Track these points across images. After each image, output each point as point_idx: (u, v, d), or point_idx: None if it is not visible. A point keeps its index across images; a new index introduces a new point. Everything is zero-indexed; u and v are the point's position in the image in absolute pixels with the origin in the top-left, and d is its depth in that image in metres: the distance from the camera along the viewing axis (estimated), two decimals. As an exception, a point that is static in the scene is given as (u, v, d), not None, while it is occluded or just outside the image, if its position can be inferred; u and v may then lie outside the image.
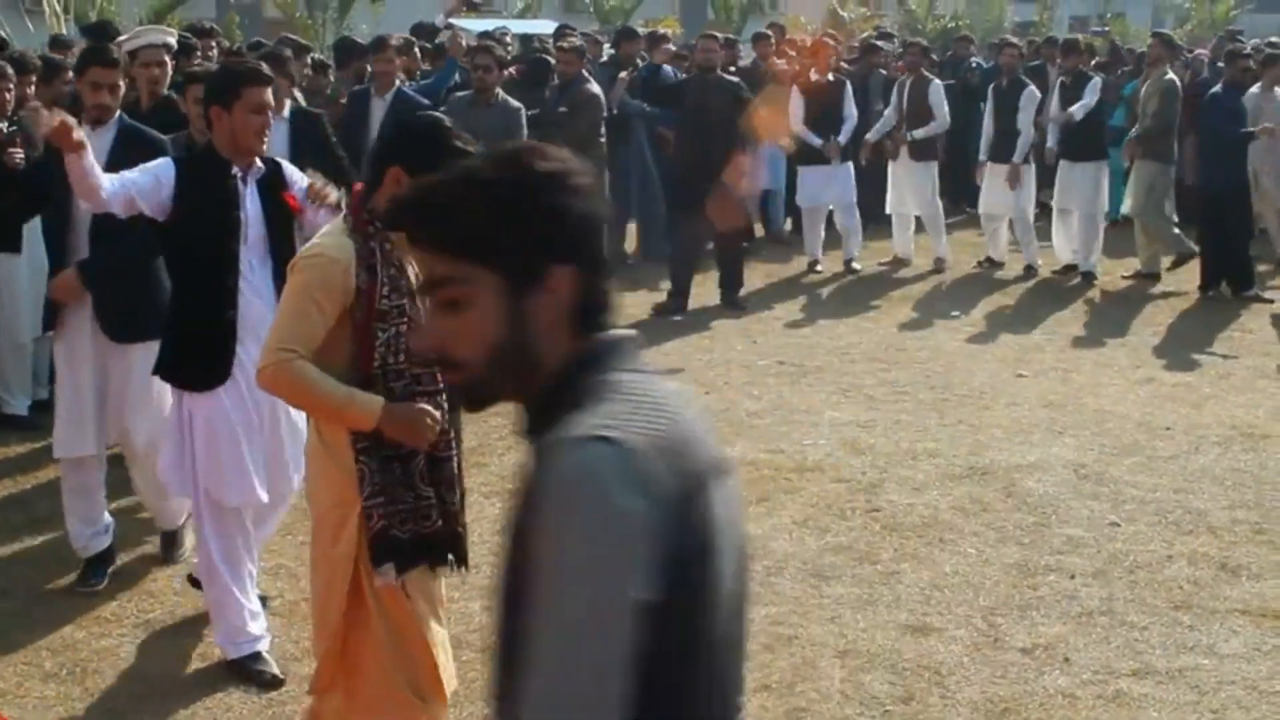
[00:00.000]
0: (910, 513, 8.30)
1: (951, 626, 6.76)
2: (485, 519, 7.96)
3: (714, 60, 13.88)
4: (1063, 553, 7.68)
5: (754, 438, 9.57)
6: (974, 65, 19.36)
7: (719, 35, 14.85)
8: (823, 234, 15.88)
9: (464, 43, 12.93)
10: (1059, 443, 9.63)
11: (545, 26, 24.34)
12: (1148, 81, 15.23)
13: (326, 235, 4.89)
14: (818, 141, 15.15)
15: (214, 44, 12.46)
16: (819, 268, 15.77)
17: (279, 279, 5.66)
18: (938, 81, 16.18)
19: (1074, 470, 9.06)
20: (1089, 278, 15.30)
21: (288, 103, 9.22)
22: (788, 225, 17.67)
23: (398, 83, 11.56)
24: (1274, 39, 21.43)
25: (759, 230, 17.51)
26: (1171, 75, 15.15)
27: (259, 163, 6.07)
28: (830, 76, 15.55)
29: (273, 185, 6.10)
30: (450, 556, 5.08)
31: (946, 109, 15.70)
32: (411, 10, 24.98)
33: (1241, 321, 13.73)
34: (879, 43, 19.03)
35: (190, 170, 6.03)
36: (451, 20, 16.56)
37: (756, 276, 15.16)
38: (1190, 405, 10.61)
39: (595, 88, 13.62)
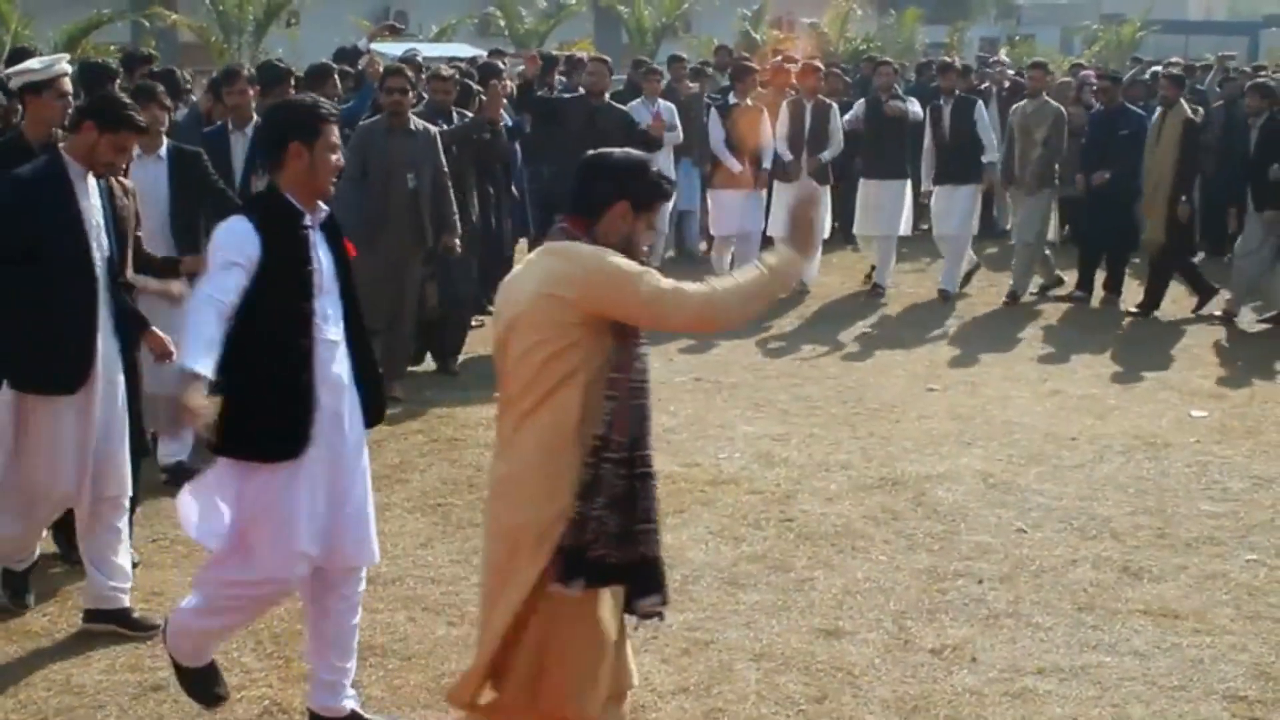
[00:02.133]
0: (823, 522, 8.49)
1: (863, 630, 6.94)
2: (407, 534, 8.11)
3: (603, 85, 13.71)
4: (971, 558, 7.89)
5: (671, 452, 9.73)
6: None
7: (607, 60, 14.66)
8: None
9: (381, 67, 12.95)
10: (968, 453, 9.86)
11: (461, 50, 24.47)
12: (1031, 109, 15.49)
13: (574, 246, 4.82)
14: (788, 158, 15.48)
15: (149, 70, 12.41)
16: None
17: (350, 329, 5.59)
18: (835, 106, 16.40)
19: (982, 479, 9.29)
20: (945, 295, 15.84)
21: (165, 141, 8.88)
22: (702, 246, 17.82)
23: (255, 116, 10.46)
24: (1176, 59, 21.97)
25: (671, 251, 17.68)
26: (1056, 104, 15.52)
27: (321, 205, 5.57)
28: (814, 99, 15.78)
29: (334, 229, 5.64)
30: (656, 589, 4.97)
31: (841, 135, 15.94)
32: (328, 34, 25.10)
33: (1145, 335, 14.08)
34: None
35: (267, 224, 5.36)
36: (372, 45, 16.67)
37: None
38: (1094, 416, 10.90)
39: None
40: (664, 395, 11.35)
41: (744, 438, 10.19)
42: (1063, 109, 15.52)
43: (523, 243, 14.27)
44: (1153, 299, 15.06)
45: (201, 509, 5.54)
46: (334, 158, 5.46)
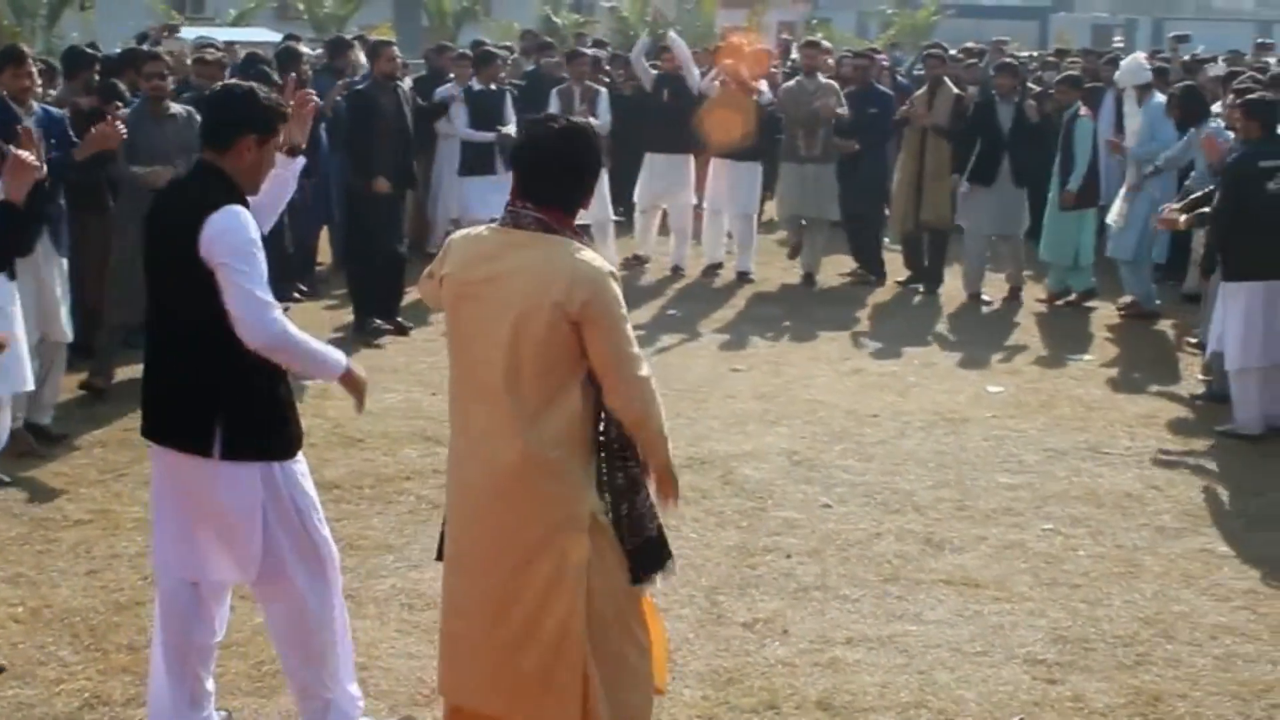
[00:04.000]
0: (635, 502, 8.61)
1: (677, 606, 7.08)
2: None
3: (395, 69, 13.41)
4: (779, 534, 8.08)
5: (481, 435, 9.78)
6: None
7: (390, 44, 14.00)
8: None
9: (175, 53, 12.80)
10: (773, 432, 10.06)
11: (260, 35, 24.21)
12: (812, 88, 15.76)
13: (577, 250, 4.76)
14: None
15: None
16: None
17: None
18: (604, 90, 16.54)
19: (788, 457, 9.49)
20: (745, 277, 16.07)
21: None
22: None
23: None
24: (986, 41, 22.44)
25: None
26: (831, 82, 15.86)
27: None
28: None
29: None
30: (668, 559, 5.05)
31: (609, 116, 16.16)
32: (124, 18, 24.68)
33: (941, 314, 14.46)
34: None
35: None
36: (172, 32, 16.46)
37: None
38: (896, 393, 11.18)
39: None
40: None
41: (553, 420, 10.27)
42: (837, 86, 15.86)
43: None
44: (934, 275, 15.52)
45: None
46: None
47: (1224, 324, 10.45)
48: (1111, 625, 7.02)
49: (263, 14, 30.21)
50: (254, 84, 5.62)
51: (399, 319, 13.21)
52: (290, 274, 13.45)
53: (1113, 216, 14.19)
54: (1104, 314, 14.53)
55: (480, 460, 4.83)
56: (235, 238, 5.10)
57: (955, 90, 15.36)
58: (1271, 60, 20.51)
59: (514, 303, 4.70)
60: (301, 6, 29.91)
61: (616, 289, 4.75)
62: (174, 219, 5.25)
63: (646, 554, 4.95)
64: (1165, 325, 14.13)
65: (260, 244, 5.20)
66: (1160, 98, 14.60)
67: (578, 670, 4.80)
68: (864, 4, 60.17)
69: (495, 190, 15.03)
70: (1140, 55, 17.10)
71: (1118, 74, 15.90)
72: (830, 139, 15.49)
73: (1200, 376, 11.81)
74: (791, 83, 16.08)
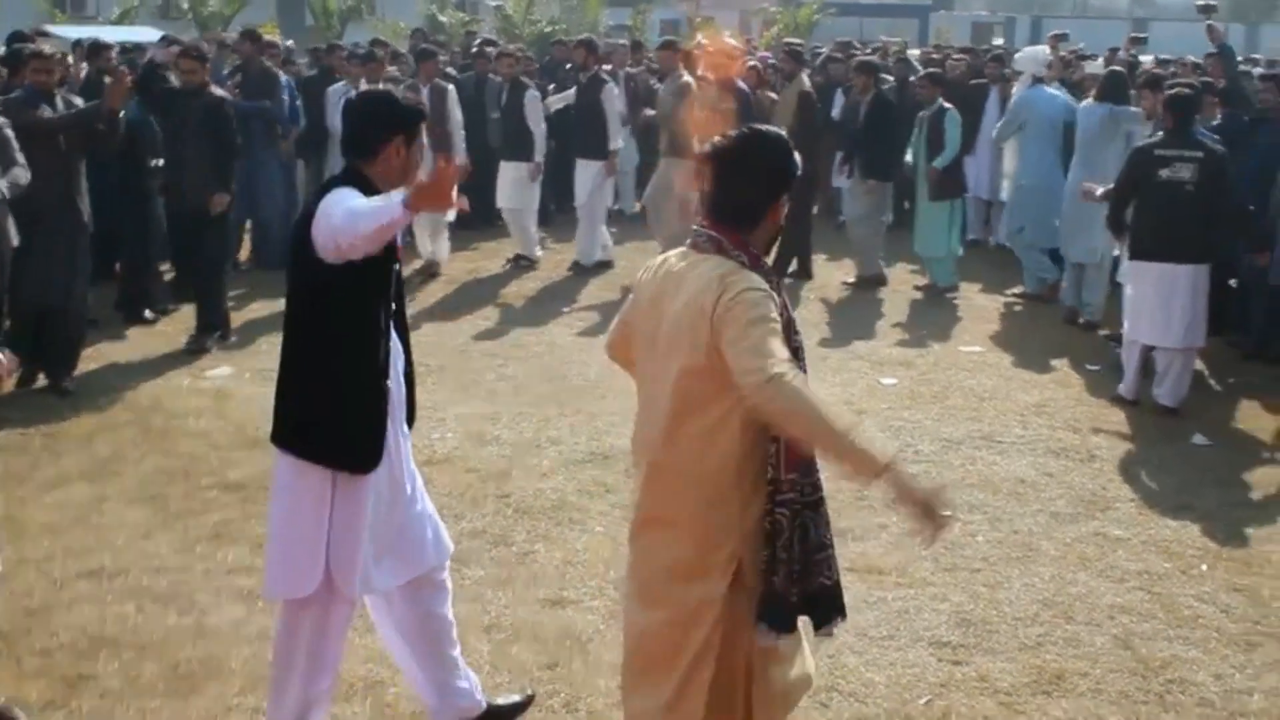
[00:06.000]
0: (539, 497, 8.70)
1: (587, 599, 7.18)
2: (127, 526, 8.09)
3: (201, 76, 12.52)
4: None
5: (384, 434, 9.82)
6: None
7: (198, 49, 13.44)
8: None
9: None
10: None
11: (144, 34, 24.00)
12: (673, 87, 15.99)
13: (730, 271, 4.47)
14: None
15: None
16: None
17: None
18: (534, 88, 16.63)
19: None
20: (605, 266, 16.35)
21: None
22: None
23: None
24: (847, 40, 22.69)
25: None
26: (806, 86, 16.02)
27: None
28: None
29: None
30: (839, 613, 4.76)
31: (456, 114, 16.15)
32: (3, 14, 24.36)
33: (831, 307, 14.63)
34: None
35: None
36: (48, 28, 16.25)
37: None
38: (792, 386, 11.29)
39: (220, 92, 12.98)
40: (373, 379, 11.41)
41: (456, 419, 10.32)
42: (693, 84, 16.04)
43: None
44: (805, 267, 15.83)
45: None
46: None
47: (1126, 295, 11.19)
48: (1012, 607, 7.20)
49: (145, 12, 29.91)
50: (389, 87, 5.61)
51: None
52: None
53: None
54: (996, 303, 14.79)
55: (641, 505, 4.82)
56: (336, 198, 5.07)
57: (805, 87, 15.61)
58: (1147, 59, 20.93)
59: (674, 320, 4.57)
60: (185, 5, 29.66)
61: (766, 304, 4.40)
62: (302, 220, 5.23)
63: (818, 604, 4.72)
64: (1038, 309, 14.51)
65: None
66: (1047, 89, 14.96)
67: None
68: (746, 3, 60.53)
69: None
70: (1043, 47, 17.47)
71: (1019, 57, 16.18)
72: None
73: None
74: (667, 82, 16.21)
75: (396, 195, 4.80)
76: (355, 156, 5.30)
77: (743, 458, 4.54)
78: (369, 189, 5.14)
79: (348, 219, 4.84)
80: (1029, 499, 8.88)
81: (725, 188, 4.60)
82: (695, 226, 4.67)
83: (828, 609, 4.71)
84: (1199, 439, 10.25)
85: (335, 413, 5.25)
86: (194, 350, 12.06)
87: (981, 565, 7.75)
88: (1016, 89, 15.31)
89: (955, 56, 20.52)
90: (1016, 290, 15.04)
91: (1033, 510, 8.68)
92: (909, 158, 15.25)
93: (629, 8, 44.80)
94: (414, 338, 12.43)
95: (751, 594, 4.60)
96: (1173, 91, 11.24)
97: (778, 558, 4.54)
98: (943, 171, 14.79)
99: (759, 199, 4.61)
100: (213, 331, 12.45)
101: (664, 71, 16.11)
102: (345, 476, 5.27)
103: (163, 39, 16.68)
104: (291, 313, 5.33)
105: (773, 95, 16.36)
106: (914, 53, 25.65)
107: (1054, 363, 12.42)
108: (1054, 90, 15.11)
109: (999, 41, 26.48)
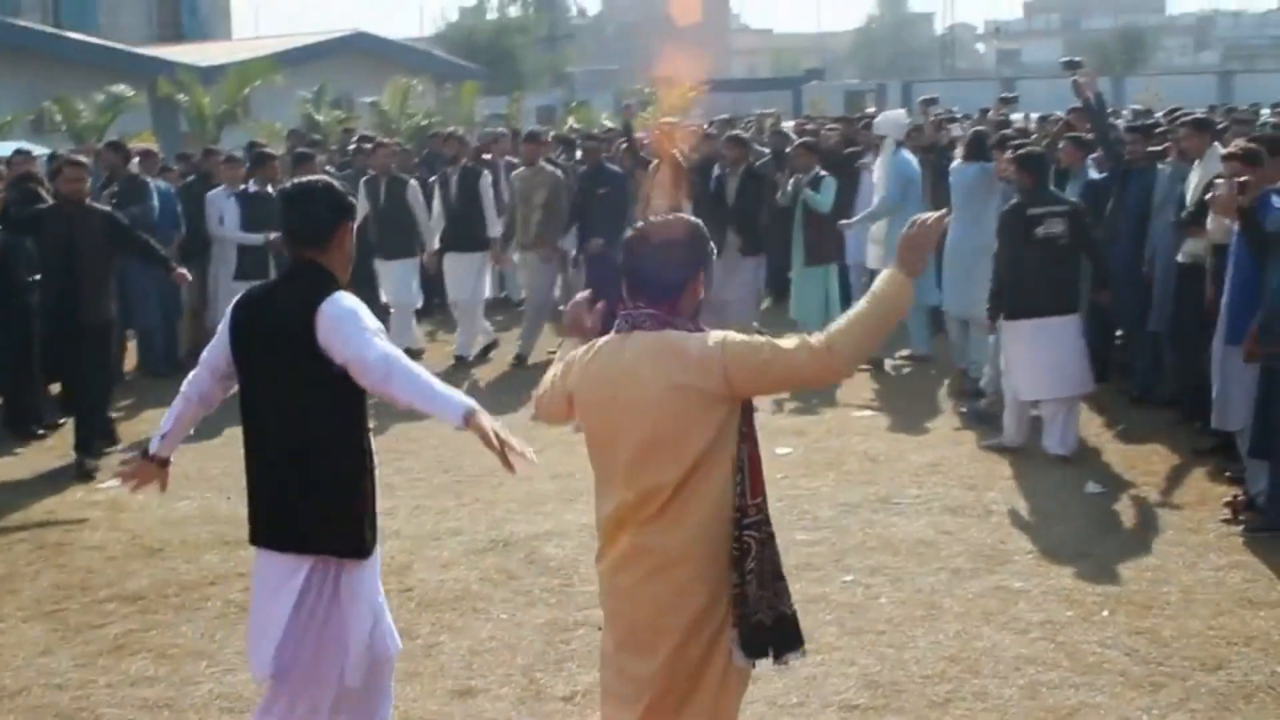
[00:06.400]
0: (442, 588, 8.67)
1: (495, 686, 7.15)
2: (26, 643, 7.96)
3: (81, 191, 12.21)
4: (588, 608, 8.16)
5: (282, 535, 9.75)
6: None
7: (83, 161, 13.36)
8: None
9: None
10: (571, 509, 10.15)
11: (22, 147, 23.78)
12: (529, 175, 16.22)
13: (689, 335, 4.82)
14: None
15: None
16: None
17: None
18: (414, 181, 16.66)
19: (589, 533, 9.46)
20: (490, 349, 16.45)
21: None
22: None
23: None
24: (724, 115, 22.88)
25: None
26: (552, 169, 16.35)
27: None
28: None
29: None
30: (799, 643, 4.94)
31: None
32: None
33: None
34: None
35: None
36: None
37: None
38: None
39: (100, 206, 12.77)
40: (268, 480, 11.34)
41: (353, 514, 10.25)
42: (559, 174, 16.22)
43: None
44: None
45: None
46: None
47: (1006, 358, 11.39)
48: (919, 666, 7.25)
49: (19, 128, 29.68)
50: (325, 177, 5.73)
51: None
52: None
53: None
54: (884, 367, 14.93)
55: (630, 564, 4.90)
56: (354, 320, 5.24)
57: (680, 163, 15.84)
58: (1016, 116, 21.29)
59: (621, 407, 4.83)
60: (59, 118, 29.47)
61: (732, 335, 4.80)
62: (285, 319, 5.29)
63: (780, 633, 4.90)
64: (923, 370, 14.64)
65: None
66: (905, 153, 15.19)
67: None
68: (619, 83, 61.02)
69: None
70: (900, 110, 17.75)
71: (879, 121, 16.38)
72: (543, 228, 15.97)
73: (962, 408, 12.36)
74: (522, 171, 16.35)
75: (459, 404, 5.17)
76: (308, 246, 5.37)
77: (729, 491, 4.78)
78: (328, 279, 5.30)
79: (408, 381, 5.21)
80: (929, 558, 8.95)
81: (653, 268, 4.88)
82: (624, 312, 4.90)
83: (791, 638, 4.90)
84: (1092, 486, 10.40)
85: (365, 497, 5.48)
86: (85, 474, 11.76)
87: (886, 627, 7.80)
88: (881, 154, 15.45)
89: (829, 126, 20.77)
90: (904, 353, 15.22)
91: (934, 569, 8.75)
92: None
93: (504, 95, 44.99)
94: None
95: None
96: (1023, 151, 11.51)
97: (746, 582, 4.75)
98: (818, 236, 14.98)
99: (684, 274, 4.88)
100: (95, 445, 12.15)
101: (527, 162, 16.24)
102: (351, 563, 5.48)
103: (16, 152, 16.48)
104: (288, 412, 5.35)
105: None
106: (789, 124, 25.94)
107: (943, 421, 12.56)
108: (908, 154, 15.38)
109: (872, 109, 26.78)
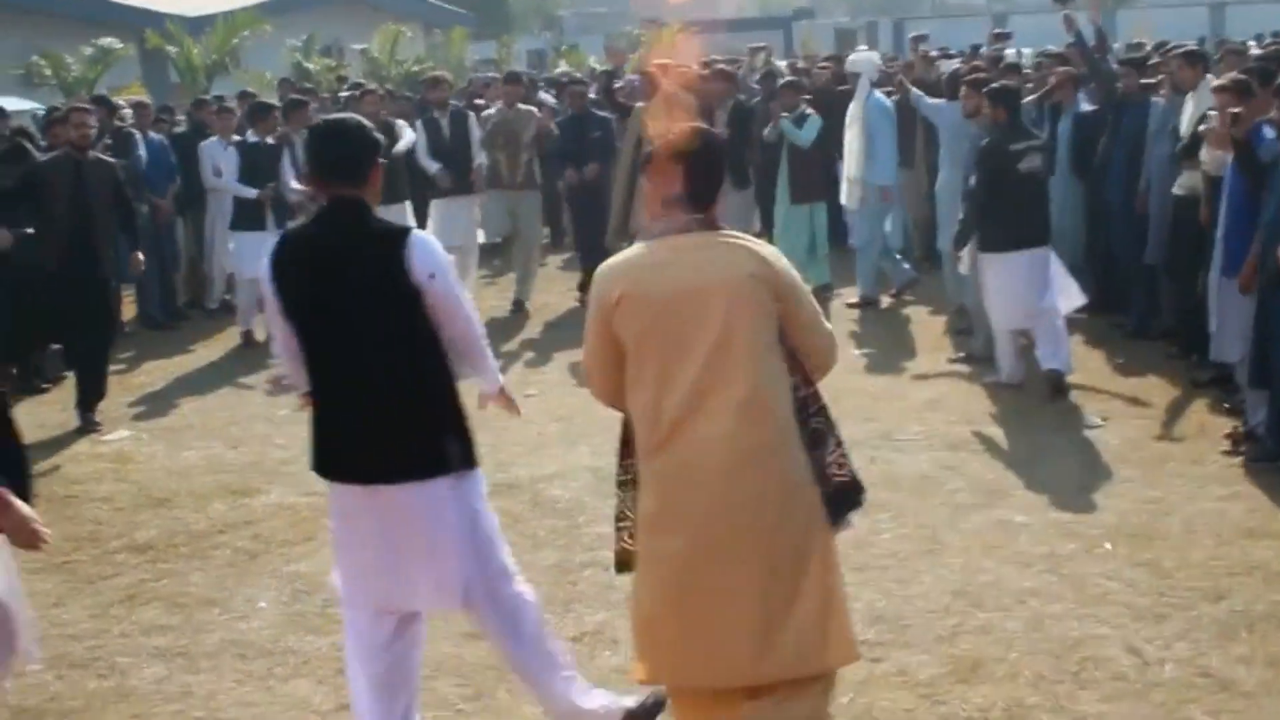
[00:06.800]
0: (450, 532, 8.72)
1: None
2: (38, 594, 8.02)
3: (89, 138, 12.22)
4: (595, 549, 8.23)
5: (289, 483, 9.82)
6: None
7: (90, 109, 13.36)
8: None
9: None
10: (575, 451, 10.23)
11: (11, 103, 23.73)
12: (513, 116, 16.15)
13: (747, 240, 5.15)
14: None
15: None
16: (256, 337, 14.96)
17: None
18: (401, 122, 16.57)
19: (593, 474, 9.65)
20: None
21: None
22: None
23: None
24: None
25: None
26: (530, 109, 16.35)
27: None
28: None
29: None
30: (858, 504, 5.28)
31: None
32: None
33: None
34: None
35: None
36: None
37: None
38: (690, 403, 11.40)
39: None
40: (269, 430, 11.42)
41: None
42: (536, 113, 16.22)
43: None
44: None
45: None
46: None
47: (988, 292, 11.47)
48: (924, 601, 7.32)
49: (7, 81, 29.57)
50: (352, 115, 5.91)
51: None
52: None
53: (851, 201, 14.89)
54: (882, 304, 15.00)
55: (717, 452, 4.90)
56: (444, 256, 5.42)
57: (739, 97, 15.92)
58: (1010, 51, 21.20)
59: (699, 293, 4.94)
60: (48, 71, 29.33)
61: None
62: (365, 252, 5.36)
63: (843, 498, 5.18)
64: (920, 308, 14.71)
65: None
66: (878, 94, 15.17)
67: (845, 615, 5.10)
68: (609, 27, 60.74)
69: (265, 245, 14.87)
70: (873, 51, 17.79)
71: (852, 60, 16.35)
72: (532, 166, 15.93)
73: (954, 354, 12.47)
74: (493, 112, 16.28)
75: (496, 373, 5.92)
76: (346, 183, 5.39)
77: (789, 381, 5.06)
78: (366, 213, 5.40)
79: (472, 331, 5.63)
80: (930, 493, 9.02)
81: (702, 173, 5.08)
82: (662, 221, 5.07)
83: (856, 497, 5.24)
84: (1091, 420, 10.47)
85: (460, 414, 5.57)
86: (87, 427, 11.81)
87: (890, 562, 7.87)
88: (856, 93, 15.39)
89: (820, 64, 20.73)
90: (893, 291, 15.31)
91: (935, 504, 8.82)
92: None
93: (493, 40, 44.84)
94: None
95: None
96: (995, 86, 11.56)
97: (826, 460, 5.10)
98: (804, 174, 15.06)
99: (720, 180, 5.18)
100: (97, 402, 12.14)
101: (508, 103, 16.17)
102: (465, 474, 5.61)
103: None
104: (377, 344, 5.37)
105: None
106: (781, 63, 25.87)
107: (941, 358, 12.62)
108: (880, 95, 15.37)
109: (863, 47, 26.73)
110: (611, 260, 5.14)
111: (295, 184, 14.37)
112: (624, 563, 5.38)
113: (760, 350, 4.94)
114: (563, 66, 34.36)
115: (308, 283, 5.39)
